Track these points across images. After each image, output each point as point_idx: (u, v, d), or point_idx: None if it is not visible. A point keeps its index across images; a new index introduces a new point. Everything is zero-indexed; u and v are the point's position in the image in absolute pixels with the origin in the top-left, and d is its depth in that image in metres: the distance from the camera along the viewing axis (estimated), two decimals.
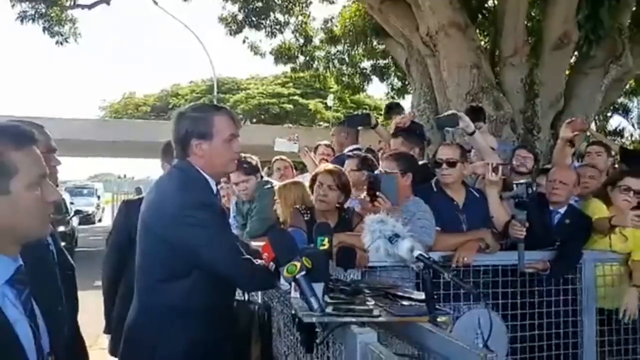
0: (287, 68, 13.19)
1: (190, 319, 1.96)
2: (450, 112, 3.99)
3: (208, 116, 2.03)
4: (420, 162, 3.83)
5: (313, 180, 3.22)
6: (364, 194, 3.07)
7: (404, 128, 4.52)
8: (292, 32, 12.04)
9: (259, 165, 3.88)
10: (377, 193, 2.85)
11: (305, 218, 3.09)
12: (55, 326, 1.38)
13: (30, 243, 1.29)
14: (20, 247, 1.27)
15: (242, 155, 3.42)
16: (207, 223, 1.93)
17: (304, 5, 11.88)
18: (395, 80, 12.13)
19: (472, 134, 3.65)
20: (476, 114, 4.57)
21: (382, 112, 6.75)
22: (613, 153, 4.70)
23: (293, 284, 1.80)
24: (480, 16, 8.88)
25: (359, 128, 4.93)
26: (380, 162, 3.59)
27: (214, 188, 2.10)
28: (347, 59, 11.97)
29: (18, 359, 1.20)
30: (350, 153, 4.33)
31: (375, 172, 3.37)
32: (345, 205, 3.26)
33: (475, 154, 3.91)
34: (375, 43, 10.84)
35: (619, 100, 14.09)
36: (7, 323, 1.18)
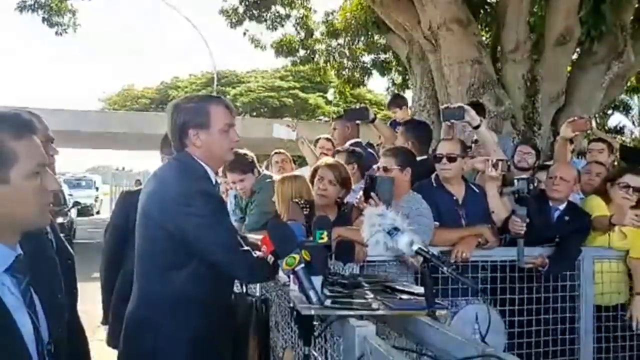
0: (288, 61, 13.14)
1: (191, 308, 1.96)
2: (457, 104, 3.97)
3: (204, 106, 2.03)
4: (422, 158, 3.82)
5: (313, 173, 3.21)
6: (360, 194, 3.07)
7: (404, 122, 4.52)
8: (293, 25, 11.99)
9: (255, 161, 3.87)
10: (371, 194, 2.84)
11: (305, 212, 3.08)
12: (55, 315, 1.38)
13: (30, 232, 1.29)
14: (19, 236, 1.26)
15: (238, 151, 3.39)
16: (207, 213, 1.92)
17: None
18: (396, 74, 12.09)
19: (477, 127, 3.65)
20: (476, 109, 4.55)
21: (384, 106, 6.74)
22: (614, 150, 4.69)
23: (292, 276, 1.80)
24: (482, 11, 8.85)
25: (358, 122, 4.91)
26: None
27: (213, 179, 2.09)
28: (347, 52, 11.92)
29: (17, 348, 1.20)
30: (339, 148, 4.33)
31: (374, 166, 3.37)
32: (345, 200, 3.25)
33: (476, 149, 3.90)
34: (376, 37, 10.79)
35: (620, 98, 14.06)
36: (6, 311, 1.18)
